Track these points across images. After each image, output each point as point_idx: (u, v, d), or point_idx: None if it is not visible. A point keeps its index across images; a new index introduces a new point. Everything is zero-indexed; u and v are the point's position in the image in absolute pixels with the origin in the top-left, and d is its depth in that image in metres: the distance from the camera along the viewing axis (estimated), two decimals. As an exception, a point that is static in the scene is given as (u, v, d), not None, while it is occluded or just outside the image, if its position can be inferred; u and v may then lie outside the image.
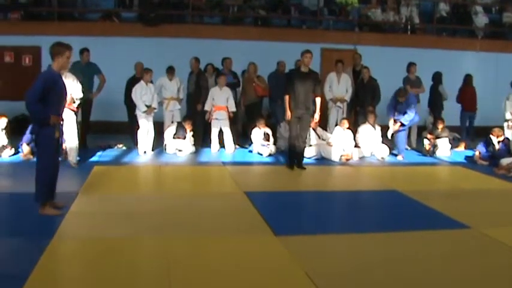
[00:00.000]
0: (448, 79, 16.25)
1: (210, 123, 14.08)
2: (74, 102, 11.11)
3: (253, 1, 18.48)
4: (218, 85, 13.91)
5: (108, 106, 14.06)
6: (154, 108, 13.21)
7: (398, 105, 13.50)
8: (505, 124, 14.01)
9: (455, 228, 7.71)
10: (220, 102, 13.85)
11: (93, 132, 14.05)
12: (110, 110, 14.22)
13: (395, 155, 13.82)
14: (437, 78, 15.76)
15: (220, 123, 13.92)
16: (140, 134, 13.14)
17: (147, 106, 13.07)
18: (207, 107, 13.86)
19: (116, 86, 13.29)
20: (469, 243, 7.12)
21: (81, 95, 11.39)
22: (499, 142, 13.04)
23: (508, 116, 14.09)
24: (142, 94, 13.02)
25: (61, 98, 7.82)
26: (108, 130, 14.65)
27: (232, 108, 13.99)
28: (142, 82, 13.07)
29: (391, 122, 13.64)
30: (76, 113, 11.48)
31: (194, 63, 14.27)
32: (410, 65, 15.18)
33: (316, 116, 11.86)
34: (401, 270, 6.05)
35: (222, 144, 14.14)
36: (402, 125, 13.56)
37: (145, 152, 13.17)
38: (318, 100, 11.84)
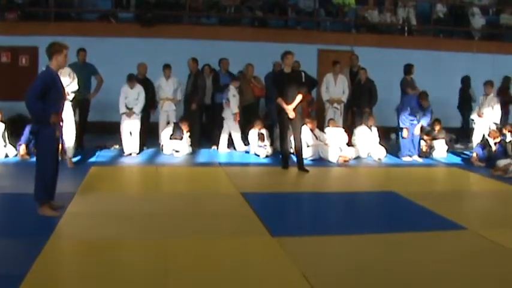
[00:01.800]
0: (446, 80, 16.28)
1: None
2: (68, 94, 11.12)
3: (250, 2, 18.48)
4: (234, 87, 14.03)
5: (105, 107, 14.04)
6: (134, 113, 13.14)
7: (413, 109, 13.53)
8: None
9: (452, 230, 7.70)
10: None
11: (90, 132, 14.04)
12: (107, 111, 14.21)
13: (397, 157, 13.86)
14: (466, 81, 16.11)
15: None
16: (122, 135, 13.20)
17: (128, 109, 13.10)
18: (236, 109, 13.95)
19: (113, 86, 13.26)
20: (466, 245, 7.12)
21: (77, 87, 11.41)
22: (495, 143, 13.06)
23: (472, 116, 14.32)
24: (125, 96, 13.11)
25: (60, 97, 7.83)
26: (105, 131, 14.62)
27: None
28: (126, 86, 13.13)
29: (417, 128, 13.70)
30: (74, 111, 11.51)
31: (192, 63, 14.30)
32: (410, 67, 15.16)
33: (291, 107, 11.72)
34: (398, 272, 6.04)
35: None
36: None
37: (130, 153, 13.14)
38: (299, 97, 11.77)
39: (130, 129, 13.14)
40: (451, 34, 20.00)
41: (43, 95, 7.40)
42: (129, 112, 13.08)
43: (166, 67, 14.11)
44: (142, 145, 13.75)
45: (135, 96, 13.12)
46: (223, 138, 14.15)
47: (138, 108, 13.16)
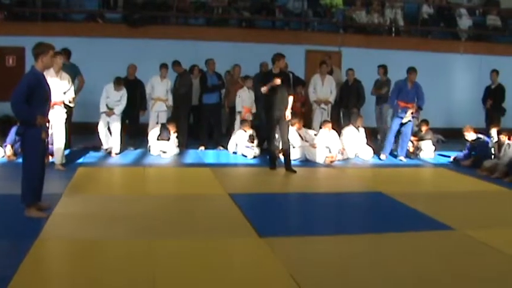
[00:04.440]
0: (433, 81, 16.32)
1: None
2: (71, 102, 11.18)
3: (237, 3, 18.48)
4: (246, 87, 14.16)
5: (92, 107, 13.95)
6: (114, 113, 13.12)
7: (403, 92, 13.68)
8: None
9: (439, 230, 7.73)
10: (248, 104, 14.12)
11: (76, 133, 13.98)
12: (94, 111, 14.10)
13: (379, 155, 13.93)
14: None
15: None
16: (100, 133, 13.23)
17: (109, 108, 13.10)
18: (239, 108, 14.10)
19: (100, 87, 13.21)
20: (453, 245, 7.14)
21: (73, 95, 11.42)
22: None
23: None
24: (107, 96, 13.11)
25: (46, 98, 7.80)
26: (92, 131, 14.53)
27: (254, 110, 14.30)
28: (111, 85, 13.12)
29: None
30: (67, 113, 11.49)
31: (176, 67, 14.29)
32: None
33: (288, 113, 11.81)
34: (385, 272, 6.06)
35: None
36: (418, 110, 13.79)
37: (107, 149, 13.25)
38: (291, 99, 11.84)
39: (110, 128, 13.18)
40: (439, 35, 20.07)
41: (28, 96, 7.37)
42: (109, 112, 13.08)
43: (164, 66, 14.10)
44: (131, 145, 13.83)
45: (117, 98, 13.12)
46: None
47: (118, 109, 13.15)
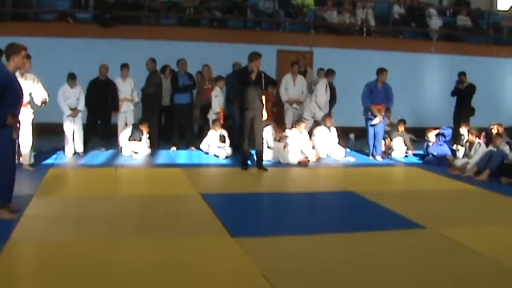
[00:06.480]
0: (404, 80, 16.42)
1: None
2: (45, 103, 10.93)
3: (209, 3, 18.46)
4: (219, 87, 14.25)
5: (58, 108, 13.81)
6: (80, 111, 13.02)
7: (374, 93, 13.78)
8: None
9: (411, 229, 7.77)
10: (222, 104, 14.21)
11: (43, 134, 13.85)
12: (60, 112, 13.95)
13: (367, 155, 14.28)
14: None
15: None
16: (65, 137, 13.00)
17: (72, 109, 12.93)
18: (217, 109, 14.15)
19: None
20: (425, 243, 7.18)
21: (46, 96, 11.19)
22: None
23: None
24: (66, 98, 12.88)
25: (17, 99, 7.71)
26: (57, 132, 14.35)
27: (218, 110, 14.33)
28: (66, 85, 12.92)
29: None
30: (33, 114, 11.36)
31: (150, 64, 14.26)
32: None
33: (264, 113, 11.85)
34: (357, 271, 6.07)
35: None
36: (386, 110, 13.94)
37: (74, 153, 13.04)
38: (263, 98, 11.88)
39: (75, 129, 13.05)
40: (410, 35, 20.22)
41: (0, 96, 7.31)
42: (75, 112, 12.93)
43: (125, 67, 14.05)
44: (102, 146, 13.78)
45: (76, 96, 12.96)
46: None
47: (81, 105, 13.05)
